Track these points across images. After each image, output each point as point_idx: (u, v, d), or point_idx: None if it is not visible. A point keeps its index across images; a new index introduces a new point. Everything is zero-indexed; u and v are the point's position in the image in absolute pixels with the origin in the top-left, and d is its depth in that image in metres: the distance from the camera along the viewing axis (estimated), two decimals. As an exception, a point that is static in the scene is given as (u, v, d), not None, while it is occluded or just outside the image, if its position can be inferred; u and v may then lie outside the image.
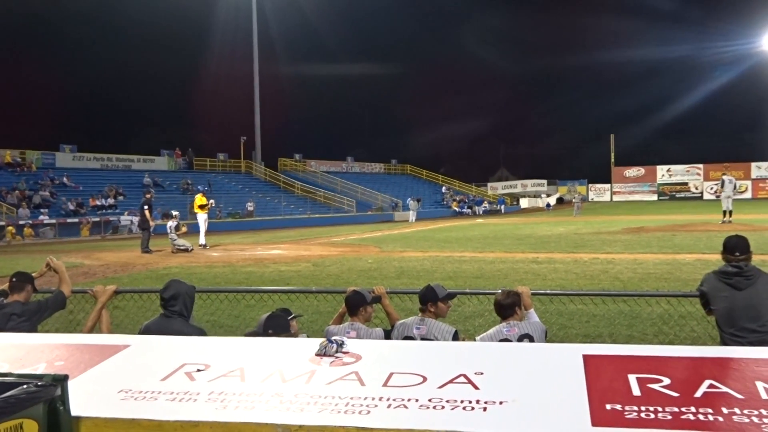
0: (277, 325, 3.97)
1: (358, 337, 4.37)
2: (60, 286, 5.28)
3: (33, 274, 5.20)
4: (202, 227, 22.10)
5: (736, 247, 4.76)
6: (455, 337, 4.50)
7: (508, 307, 4.52)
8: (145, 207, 20.97)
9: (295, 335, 4.21)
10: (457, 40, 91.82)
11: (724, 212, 25.98)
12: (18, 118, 49.31)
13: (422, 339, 4.45)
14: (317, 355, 2.77)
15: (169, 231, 20.64)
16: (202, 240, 21.66)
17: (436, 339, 4.43)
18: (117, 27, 61.31)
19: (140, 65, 63.77)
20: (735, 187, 27.57)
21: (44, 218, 31.09)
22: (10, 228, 28.53)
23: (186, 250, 20.06)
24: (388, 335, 4.67)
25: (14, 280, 4.97)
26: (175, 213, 21.93)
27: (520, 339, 4.30)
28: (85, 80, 60.61)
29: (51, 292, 5.26)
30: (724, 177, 27.20)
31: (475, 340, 4.67)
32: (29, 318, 4.76)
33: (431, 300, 4.67)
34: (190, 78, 66.46)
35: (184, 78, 66.52)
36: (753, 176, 64.01)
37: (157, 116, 67.67)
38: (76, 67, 60.64)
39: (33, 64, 55.94)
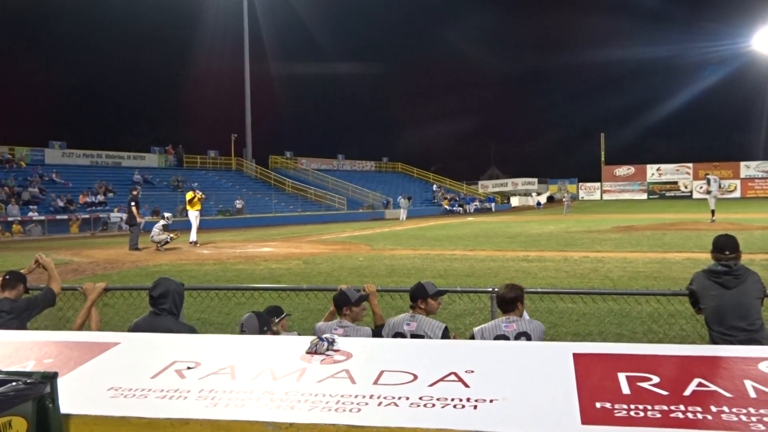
0: (265, 322, 4.01)
1: (345, 334, 4.37)
2: (49, 283, 5.25)
3: (22, 271, 5.17)
4: (194, 224, 21.99)
5: (725, 246, 4.79)
6: (445, 333, 4.52)
7: (510, 301, 4.53)
8: (132, 204, 20.85)
9: (277, 333, 4.21)
10: (447, 38, 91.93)
11: (712, 211, 26.18)
12: (7, 114, 48.98)
13: (412, 335, 4.46)
14: (308, 353, 2.76)
15: (154, 229, 20.49)
16: (193, 237, 21.56)
17: (427, 335, 4.45)
18: (107, 23, 60.97)
19: (131, 62, 63.62)
20: (720, 187, 27.77)
21: (33, 215, 30.84)
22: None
23: (167, 242, 19.99)
24: (375, 334, 4.67)
25: (7, 278, 4.95)
26: (167, 215, 21.79)
27: (518, 337, 4.30)
28: (74, 76, 60.37)
29: (40, 289, 5.22)
30: (709, 176, 27.41)
31: (468, 335, 4.68)
32: (18, 315, 4.73)
33: (421, 297, 4.71)
34: (180, 75, 66.38)
35: (175, 75, 66.40)
36: (742, 175, 64.43)
37: (147, 113, 67.49)
38: (65, 63, 60.36)
39: (22, 60, 55.63)
